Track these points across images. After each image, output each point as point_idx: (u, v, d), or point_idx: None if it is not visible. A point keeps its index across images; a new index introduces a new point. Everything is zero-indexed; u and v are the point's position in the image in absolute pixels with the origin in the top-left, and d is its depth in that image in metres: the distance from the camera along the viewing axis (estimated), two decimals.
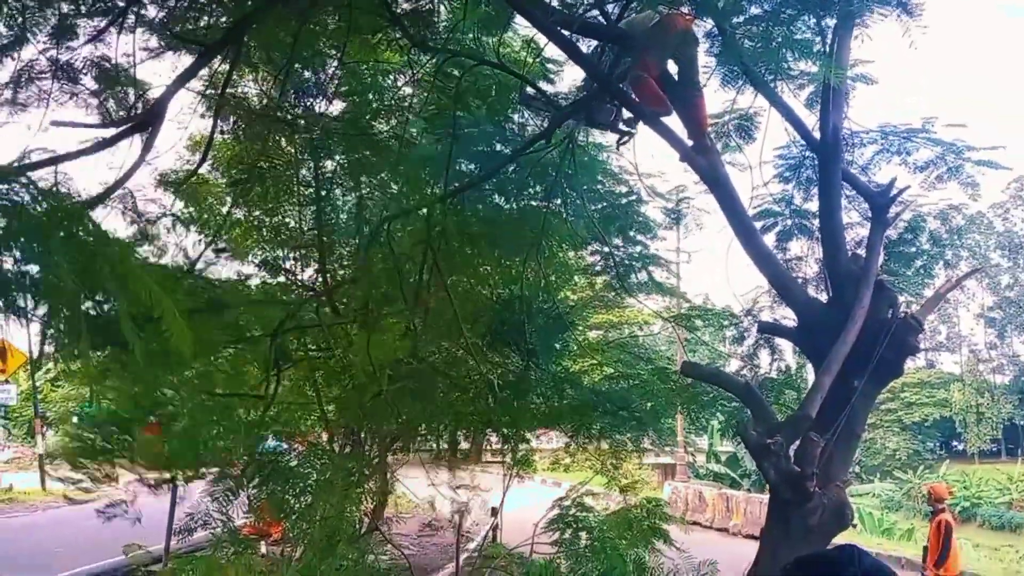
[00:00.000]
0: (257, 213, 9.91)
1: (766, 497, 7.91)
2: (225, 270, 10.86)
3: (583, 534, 7.96)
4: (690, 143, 5.24)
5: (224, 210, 10.10)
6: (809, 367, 6.41)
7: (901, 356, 5.07)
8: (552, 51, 7.13)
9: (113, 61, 5.90)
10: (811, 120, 5.70)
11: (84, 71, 5.86)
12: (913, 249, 6.72)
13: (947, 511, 10.84)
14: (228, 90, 8.20)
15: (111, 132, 4.09)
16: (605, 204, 8.88)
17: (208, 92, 8.04)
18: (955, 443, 44.84)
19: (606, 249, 9.03)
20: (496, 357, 8.84)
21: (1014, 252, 48.35)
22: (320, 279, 9.71)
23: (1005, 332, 49.18)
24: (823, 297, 5.88)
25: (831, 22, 5.21)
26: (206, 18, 6.02)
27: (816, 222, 6.33)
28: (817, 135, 5.46)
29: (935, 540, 10.72)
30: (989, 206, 47.27)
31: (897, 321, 5.02)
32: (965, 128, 5.79)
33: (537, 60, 7.44)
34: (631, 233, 9.43)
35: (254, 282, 10.67)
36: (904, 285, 6.50)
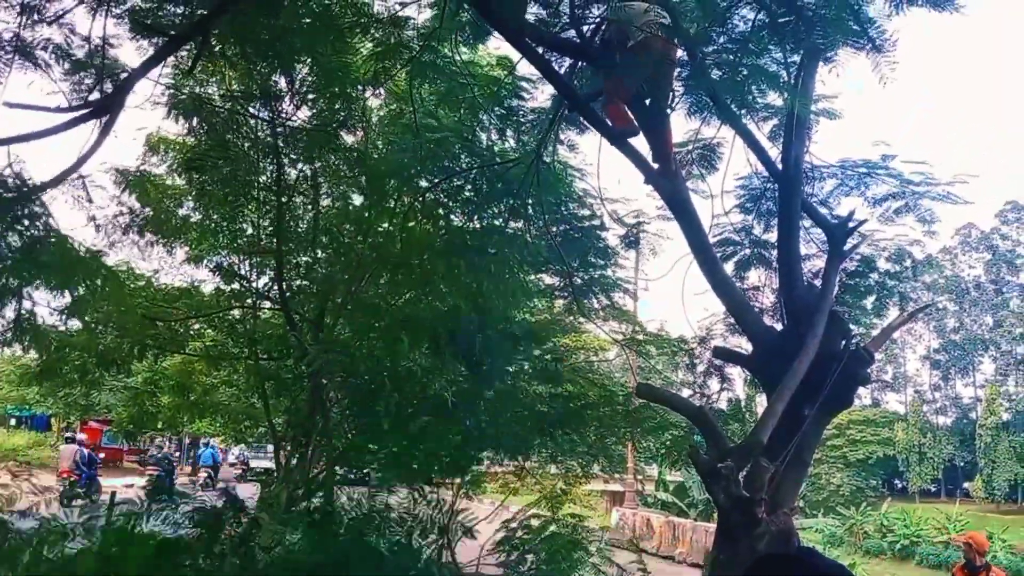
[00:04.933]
0: (215, 217, 9.72)
1: (712, 526, 7.92)
2: (179, 274, 10.64)
3: (529, 556, 7.88)
4: (655, 167, 5.28)
5: (180, 212, 9.90)
6: (760, 398, 6.47)
7: (852, 386, 5.14)
8: (526, 68, 7.16)
9: (78, 43, 5.74)
10: (774, 153, 5.80)
11: (47, 51, 5.68)
12: (868, 283, 6.85)
13: (994, 567, 8.18)
14: (192, 89, 8.07)
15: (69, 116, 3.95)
16: (567, 227, 8.89)
17: (176, 83, 7.87)
18: (897, 481, 45.73)
19: (565, 271, 9.03)
20: (448, 376, 8.75)
21: (960, 296, 49.81)
22: (276, 287, 9.53)
23: (949, 375, 50.53)
24: (778, 326, 5.95)
25: (797, 58, 5.32)
26: (179, 7, 5.89)
27: (774, 252, 6.42)
28: (779, 166, 5.55)
29: None
30: (939, 250, 48.77)
31: (849, 352, 5.08)
32: (925, 165, 5.95)
33: (508, 76, 7.46)
34: (591, 258, 9.44)
35: (207, 288, 10.45)
36: (858, 317, 6.61)
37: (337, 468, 8.80)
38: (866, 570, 21.20)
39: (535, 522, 8.83)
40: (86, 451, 21.31)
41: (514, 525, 8.67)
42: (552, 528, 8.76)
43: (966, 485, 43.69)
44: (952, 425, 48.17)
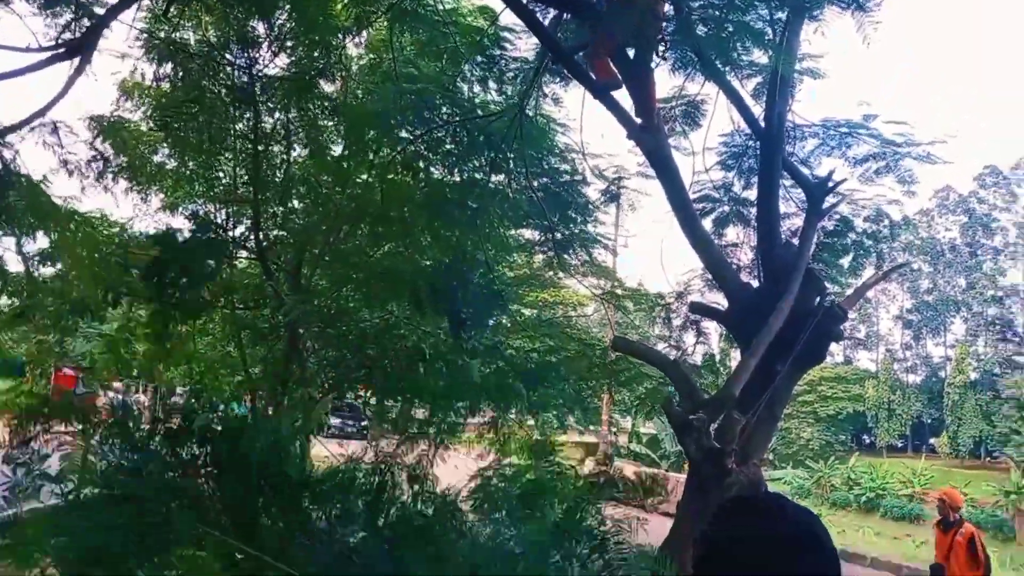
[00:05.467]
0: (191, 164, 9.57)
1: (683, 476, 8.09)
2: (154, 221, 10.50)
3: (503, 504, 8.00)
4: (638, 122, 5.25)
5: (155, 159, 9.74)
6: (735, 353, 6.55)
7: (825, 343, 5.23)
8: (509, 19, 7.03)
9: None
10: (757, 111, 5.79)
11: None
12: (846, 242, 6.91)
13: (966, 523, 8.24)
14: (168, 34, 7.87)
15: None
16: (548, 181, 8.85)
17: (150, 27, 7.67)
18: (865, 437, 46.79)
19: (546, 226, 9.01)
20: (427, 327, 8.78)
21: (935, 258, 50.38)
22: (252, 236, 9.44)
23: (921, 334, 51.38)
24: (755, 283, 6.01)
25: (783, 15, 5.28)
26: None
27: (753, 211, 6.45)
28: (762, 124, 5.54)
29: (964, 554, 7.91)
30: (916, 212, 49.17)
31: (823, 309, 5.16)
32: (906, 125, 5.97)
33: (491, 26, 7.33)
34: (572, 213, 9.43)
35: (183, 236, 10.33)
36: (834, 276, 6.68)
37: (333, 419, 8.85)
38: (832, 521, 21.77)
39: (510, 471, 8.97)
40: None
41: (489, 473, 8.80)
42: (529, 475, 8.90)
43: (932, 441, 44.76)
44: (921, 383, 49.16)
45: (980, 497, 24.23)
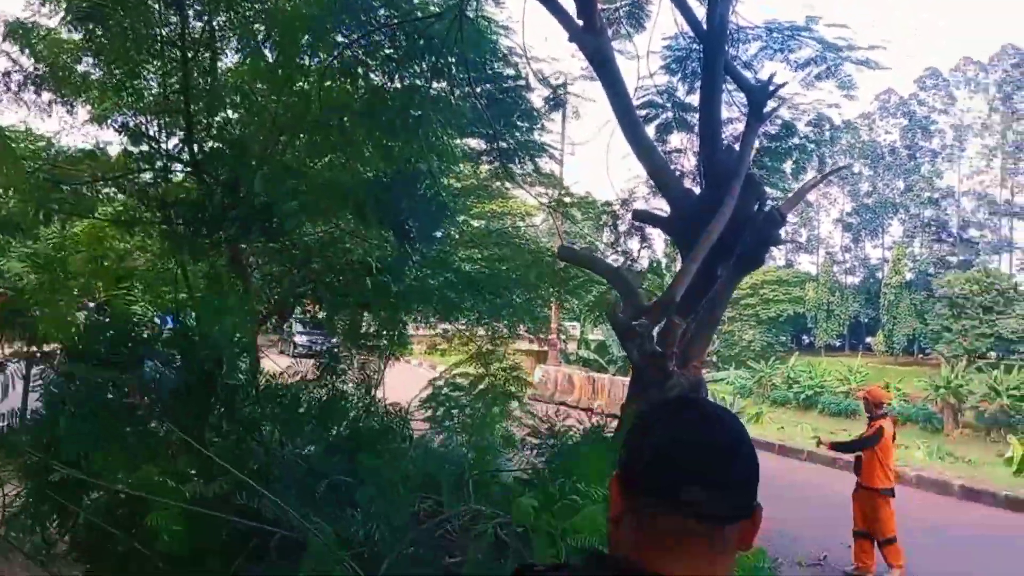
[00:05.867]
0: (117, 73, 9.08)
1: (628, 379, 8.34)
2: (82, 135, 10.02)
3: (455, 412, 8.16)
4: (580, 23, 5.12)
5: (79, 69, 9.22)
6: (680, 260, 6.64)
7: (763, 247, 5.32)
8: None
9: None
10: (701, 13, 5.68)
11: None
12: (787, 146, 6.96)
13: (888, 418, 8.37)
14: None
15: None
16: (492, 87, 8.64)
17: None
18: (805, 337, 48.59)
19: (491, 134, 8.85)
20: (373, 240, 8.68)
21: (875, 161, 51.28)
22: (186, 148, 9.10)
23: (860, 237, 52.79)
24: (697, 189, 6.04)
25: None
26: None
27: (697, 116, 6.42)
28: (705, 27, 5.45)
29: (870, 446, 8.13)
30: (858, 115, 49.66)
31: (763, 213, 5.22)
32: (847, 29, 5.95)
33: None
34: (517, 120, 9.26)
35: (114, 150, 9.91)
36: (776, 181, 6.75)
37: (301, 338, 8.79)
38: (772, 418, 22.77)
39: (463, 380, 9.11)
40: None
41: (440, 383, 8.93)
42: (484, 383, 9.06)
43: (868, 340, 46.76)
44: (859, 285, 50.85)
45: (912, 392, 25.53)
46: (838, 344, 47.25)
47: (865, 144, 51.21)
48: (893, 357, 41.94)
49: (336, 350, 8.60)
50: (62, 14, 8.55)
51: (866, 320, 47.46)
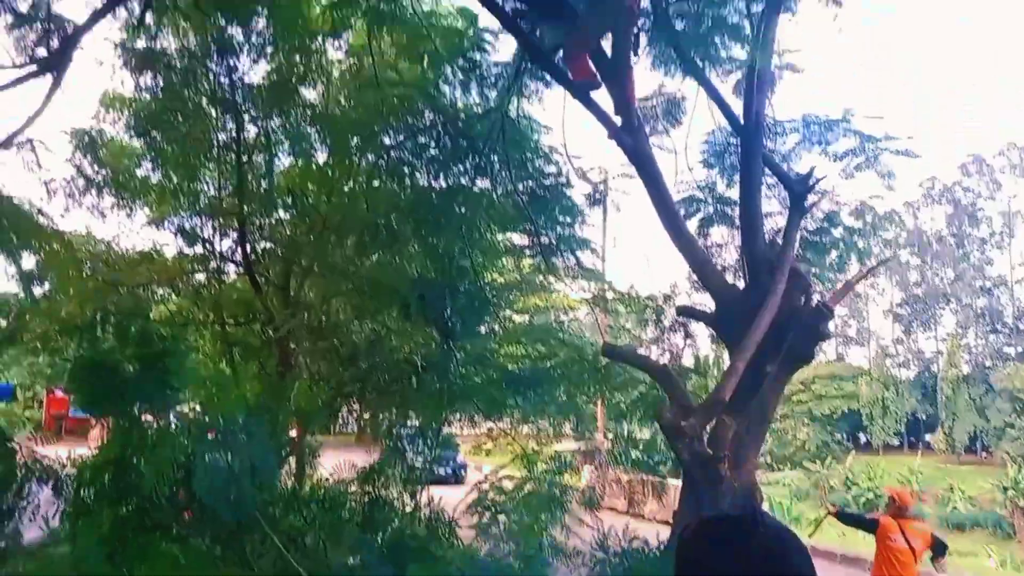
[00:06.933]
0: (175, 177, 9.51)
1: (679, 483, 8.06)
2: (140, 237, 10.41)
3: (501, 517, 7.91)
4: (618, 120, 5.21)
5: (139, 173, 9.67)
6: (725, 355, 6.51)
7: (812, 342, 5.18)
8: (488, 21, 6.99)
9: None
10: (738, 108, 5.75)
11: None
12: (829, 239, 6.89)
13: (911, 520, 8.12)
14: (145, 43, 7.82)
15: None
16: (534, 184, 8.80)
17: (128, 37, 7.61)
18: (861, 435, 46.82)
19: (533, 230, 8.95)
20: (418, 337, 8.72)
21: (923, 250, 50.50)
22: (239, 250, 9.38)
23: (911, 328, 51.50)
24: (741, 283, 5.96)
25: (759, 8, 5.25)
26: None
27: (737, 210, 6.42)
28: (742, 121, 5.50)
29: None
30: (902, 203, 49.30)
31: (809, 308, 5.11)
32: (883, 120, 5.98)
33: (470, 28, 7.30)
34: (558, 215, 9.37)
35: (170, 251, 10.27)
36: (820, 274, 6.65)
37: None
38: (831, 523, 21.70)
39: (508, 484, 8.88)
40: None
41: (486, 486, 8.72)
42: (528, 487, 8.82)
43: (928, 438, 44.86)
44: (914, 379, 49.23)
45: (976, 493, 24.24)
46: (896, 443, 45.37)
47: (911, 233, 50.60)
48: (955, 456, 40.12)
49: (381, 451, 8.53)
50: (125, 121, 9.06)
51: (924, 416, 45.68)
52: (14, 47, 5.81)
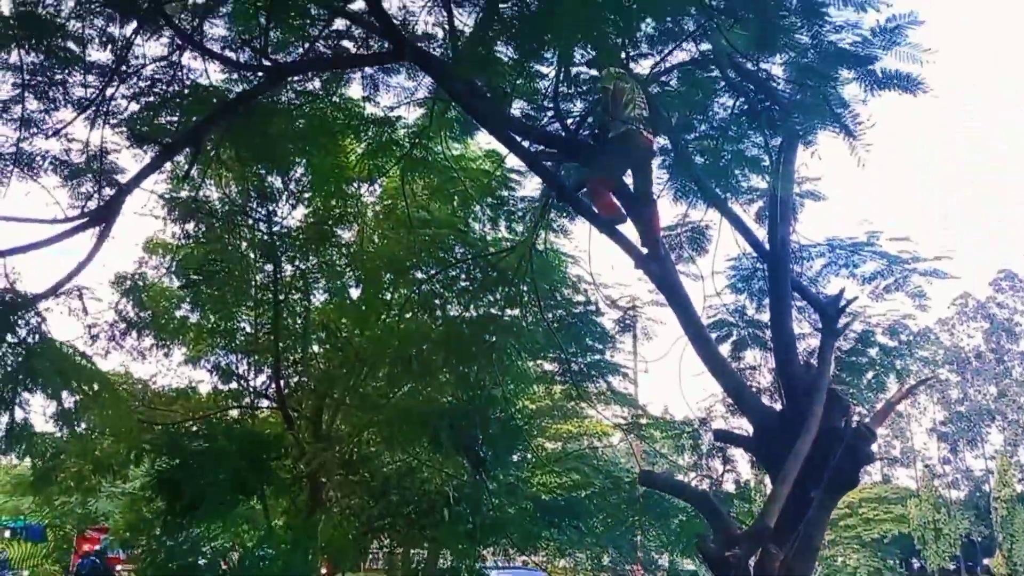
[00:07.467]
0: (213, 317, 9.77)
1: None
2: (176, 375, 10.58)
3: None
4: (644, 251, 5.33)
5: (178, 314, 9.94)
6: (767, 478, 6.36)
7: (856, 465, 5.05)
8: (514, 161, 7.31)
9: (76, 151, 5.82)
10: (761, 234, 5.88)
11: (45, 162, 5.73)
12: (864, 360, 6.84)
13: None
14: (189, 192, 8.25)
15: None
16: (563, 312, 8.92)
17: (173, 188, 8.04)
18: (915, 560, 44.35)
19: (564, 357, 8.99)
20: (449, 469, 8.62)
21: (962, 367, 49.49)
22: (273, 385, 9.50)
23: (957, 447, 49.68)
24: (777, 406, 5.89)
25: (777, 142, 5.47)
26: (175, 116, 6.02)
27: (769, 332, 6.43)
28: (767, 246, 5.61)
29: None
30: (935, 321, 48.77)
31: (851, 430, 5.02)
32: (908, 241, 6.05)
33: (497, 169, 7.65)
34: (588, 342, 9.43)
35: (205, 388, 10.41)
36: (857, 395, 6.56)
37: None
38: None
39: None
40: None
41: None
42: None
43: (986, 561, 42.38)
44: (965, 499, 47.06)
45: None
46: (952, 567, 42.85)
47: (948, 350, 49.77)
48: None
49: None
50: (167, 265, 9.42)
51: (980, 539, 43.30)
52: (68, 197, 6.19)
